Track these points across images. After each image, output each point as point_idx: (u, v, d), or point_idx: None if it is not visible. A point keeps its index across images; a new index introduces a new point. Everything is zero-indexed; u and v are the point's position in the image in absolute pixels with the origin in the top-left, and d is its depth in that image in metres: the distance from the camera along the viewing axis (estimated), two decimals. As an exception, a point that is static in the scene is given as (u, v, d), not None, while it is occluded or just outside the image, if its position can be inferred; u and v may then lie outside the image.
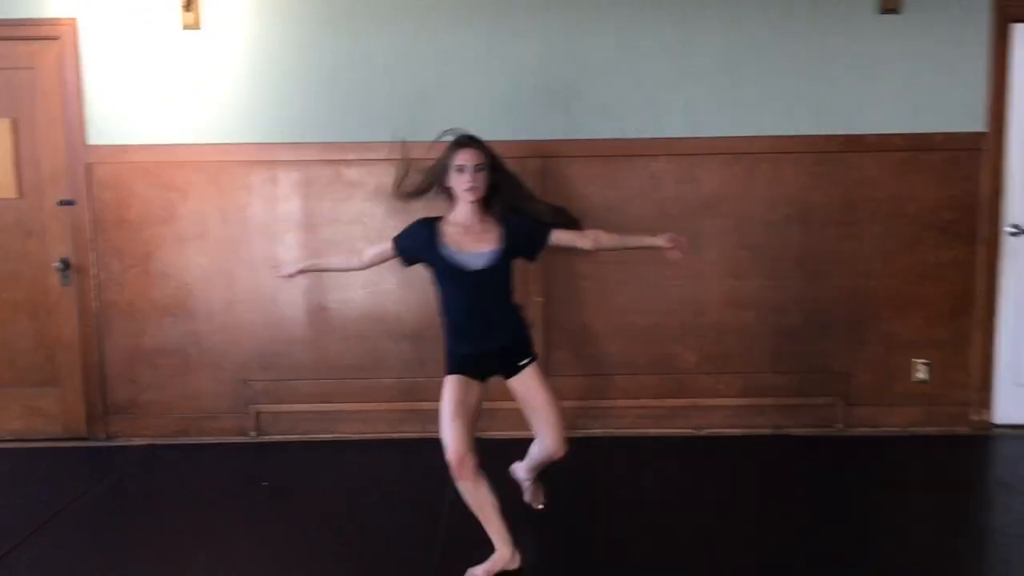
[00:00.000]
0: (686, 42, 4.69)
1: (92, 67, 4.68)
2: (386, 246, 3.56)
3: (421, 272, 4.73)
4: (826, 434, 4.84)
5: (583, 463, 4.52)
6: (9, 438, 4.91)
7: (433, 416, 4.79)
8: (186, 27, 4.64)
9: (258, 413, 4.91)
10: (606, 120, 4.72)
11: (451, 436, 3.23)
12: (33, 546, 3.65)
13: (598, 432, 4.89)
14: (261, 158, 4.74)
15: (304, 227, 4.79)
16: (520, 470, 3.83)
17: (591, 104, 4.71)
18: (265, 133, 4.72)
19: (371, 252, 3.61)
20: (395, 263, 3.62)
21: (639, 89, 4.71)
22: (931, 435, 4.81)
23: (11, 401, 4.91)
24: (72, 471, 4.57)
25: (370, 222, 4.78)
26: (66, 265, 4.78)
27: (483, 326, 3.40)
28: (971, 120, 4.72)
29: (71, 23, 4.64)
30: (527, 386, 3.39)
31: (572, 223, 3.58)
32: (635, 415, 4.91)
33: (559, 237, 3.51)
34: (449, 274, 3.37)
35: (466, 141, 3.41)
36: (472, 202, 3.38)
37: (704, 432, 4.89)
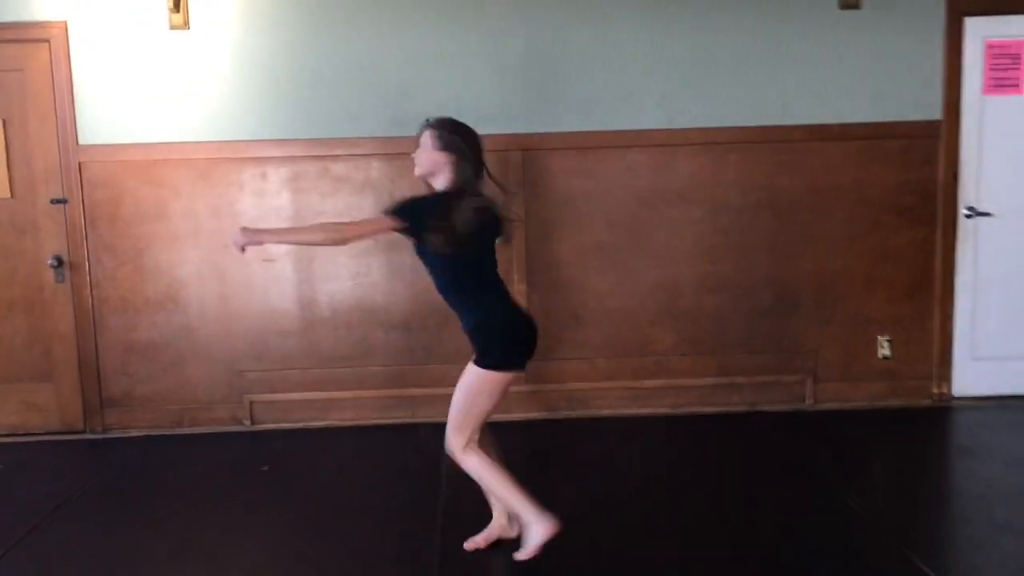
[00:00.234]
0: (660, 38, 4.90)
1: (83, 68, 4.79)
2: (379, 218, 3.33)
3: (407, 262, 4.96)
4: (797, 409, 5.10)
5: (567, 444, 4.75)
6: (6, 433, 5.01)
7: (421, 401, 5.04)
8: (174, 28, 4.77)
9: (251, 402, 5.05)
10: (584, 113, 4.92)
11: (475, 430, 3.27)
12: (41, 537, 3.74)
13: (581, 413, 5.09)
14: (250, 155, 4.88)
15: (293, 221, 4.93)
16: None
17: (570, 98, 4.91)
18: (254, 131, 4.86)
19: (352, 224, 3.55)
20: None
21: (615, 84, 4.91)
22: (895, 408, 5.09)
23: (7, 396, 5.00)
24: (72, 463, 4.70)
25: (358, 215, 4.92)
26: (60, 262, 4.89)
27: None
28: (928, 109, 4.98)
29: (61, 25, 4.74)
30: None
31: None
32: (616, 396, 5.12)
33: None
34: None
35: (426, 123, 3.33)
36: (416, 177, 3.34)
37: (682, 411, 5.12)
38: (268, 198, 4.93)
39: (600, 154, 4.98)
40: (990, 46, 4.97)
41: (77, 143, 4.82)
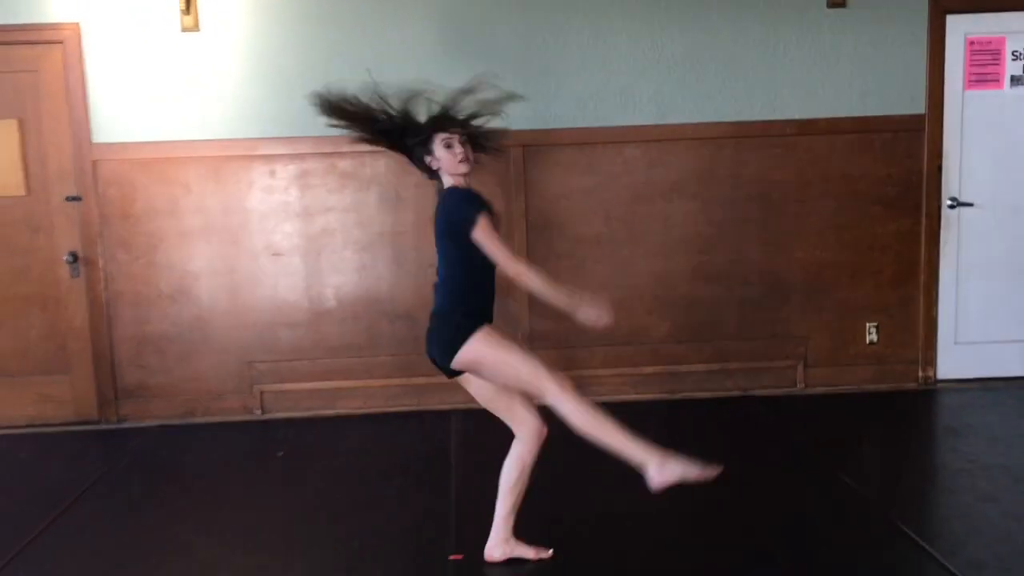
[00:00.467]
0: (654, 37, 5.09)
1: (96, 69, 4.93)
2: (494, 233, 3.15)
3: (411, 254, 5.13)
4: (788, 394, 5.30)
5: (565, 430, 4.90)
6: (24, 424, 5.14)
7: (427, 390, 5.19)
8: (185, 29, 4.92)
9: (262, 392, 5.21)
10: (582, 110, 5.11)
11: (541, 365, 3.12)
12: (69, 520, 3.88)
13: (581, 399, 5.27)
14: (259, 152, 5.04)
15: (301, 216, 5.10)
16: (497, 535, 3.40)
17: (568, 96, 5.09)
18: (263, 129, 5.02)
19: (508, 249, 3.21)
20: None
21: (612, 81, 5.10)
22: (883, 391, 5.30)
23: (24, 389, 5.14)
24: (90, 452, 4.85)
25: (363, 210, 5.10)
26: (75, 258, 5.03)
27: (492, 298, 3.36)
28: (912, 104, 5.19)
29: (74, 27, 4.89)
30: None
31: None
32: (614, 383, 5.30)
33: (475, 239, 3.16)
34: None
35: (447, 122, 3.27)
36: (466, 174, 3.26)
37: (678, 396, 5.31)
38: (276, 194, 5.09)
39: (597, 149, 5.16)
40: (971, 43, 5.18)
41: (91, 142, 4.96)
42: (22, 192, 5.01)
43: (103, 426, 5.16)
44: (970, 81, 5.21)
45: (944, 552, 3.25)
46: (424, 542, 3.57)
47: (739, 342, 5.32)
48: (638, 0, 5.06)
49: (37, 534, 3.74)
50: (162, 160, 5.01)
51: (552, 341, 5.16)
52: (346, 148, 5.03)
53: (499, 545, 3.35)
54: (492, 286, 3.31)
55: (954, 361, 5.39)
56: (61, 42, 4.90)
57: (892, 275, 5.32)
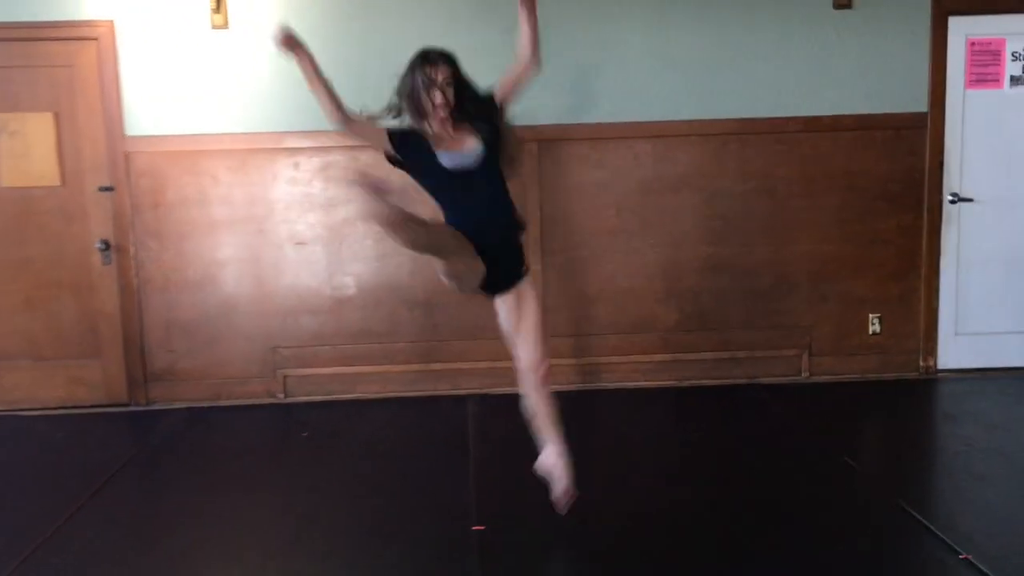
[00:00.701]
0: (664, 36, 5.27)
1: (129, 64, 5.13)
2: (378, 128, 3.48)
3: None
4: (793, 382, 5.47)
5: (581, 414, 5.09)
6: (56, 406, 5.34)
7: (443, 375, 5.39)
8: (215, 27, 5.11)
9: (285, 377, 5.40)
10: (595, 106, 5.29)
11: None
12: (101, 501, 4.00)
13: (593, 386, 5.46)
14: (284, 145, 5.23)
15: (324, 207, 5.30)
16: (547, 458, 3.69)
17: (582, 93, 5.27)
18: (288, 123, 5.20)
19: (361, 119, 3.48)
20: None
21: (623, 78, 5.28)
22: (885, 380, 5.47)
23: (56, 372, 5.34)
24: (122, 433, 5.05)
25: (384, 202, 5.28)
26: (107, 246, 5.22)
27: (489, 228, 3.43)
28: (914, 102, 5.37)
29: (108, 24, 5.08)
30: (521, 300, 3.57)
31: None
32: (625, 370, 5.49)
33: (505, 89, 3.57)
34: (449, 177, 3.39)
35: (435, 57, 3.44)
36: (444, 118, 3.41)
37: (686, 383, 5.49)
38: (300, 186, 5.28)
39: (608, 144, 5.34)
40: (972, 43, 5.34)
41: (124, 135, 5.15)
42: (57, 182, 5.20)
43: (133, 408, 5.35)
44: (971, 81, 5.37)
45: (941, 527, 3.43)
46: (446, 515, 3.73)
47: (746, 331, 5.50)
48: (652, 2, 5.24)
49: (76, 509, 3.88)
50: (191, 153, 5.21)
51: (566, 330, 5.35)
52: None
53: (551, 456, 3.64)
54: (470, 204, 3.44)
55: (954, 351, 5.55)
56: (96, 39, 5.09)
57: (894, 268, 5.49)
